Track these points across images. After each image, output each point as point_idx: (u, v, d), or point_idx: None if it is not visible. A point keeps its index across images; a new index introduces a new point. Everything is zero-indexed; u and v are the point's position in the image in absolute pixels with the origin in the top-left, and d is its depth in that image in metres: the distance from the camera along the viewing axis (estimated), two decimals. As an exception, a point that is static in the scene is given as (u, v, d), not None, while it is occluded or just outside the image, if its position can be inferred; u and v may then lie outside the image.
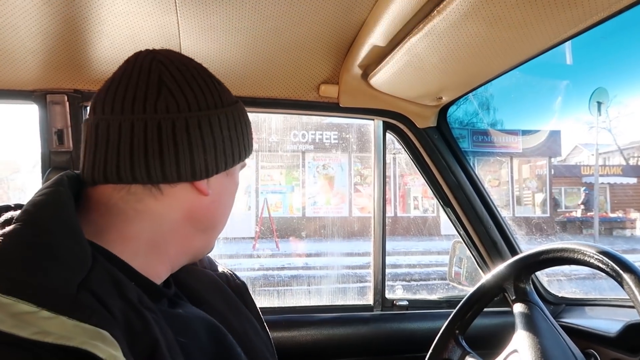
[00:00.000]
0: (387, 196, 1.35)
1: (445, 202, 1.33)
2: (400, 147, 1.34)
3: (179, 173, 0.51)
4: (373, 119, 1.30)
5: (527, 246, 0.87)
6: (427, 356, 0.91)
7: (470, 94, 1.15)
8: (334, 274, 6.95)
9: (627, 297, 0.62)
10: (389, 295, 1.34)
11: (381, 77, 1.04)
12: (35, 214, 0.44)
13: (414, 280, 6.40)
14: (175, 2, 0.80)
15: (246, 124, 0.60)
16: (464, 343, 0.88)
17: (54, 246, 0.42)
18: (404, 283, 6.21)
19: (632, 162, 18.99)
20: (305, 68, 1.08)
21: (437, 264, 7.17)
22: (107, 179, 0.51)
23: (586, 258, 0.69)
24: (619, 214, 13.80)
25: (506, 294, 0.83)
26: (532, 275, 0.84)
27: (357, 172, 11.64)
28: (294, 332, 1.20)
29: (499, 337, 0.93)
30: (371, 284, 1.34)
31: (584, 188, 14.59)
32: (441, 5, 0.72)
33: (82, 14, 0.83)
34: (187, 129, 0.51)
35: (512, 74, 0.99)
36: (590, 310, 1.23)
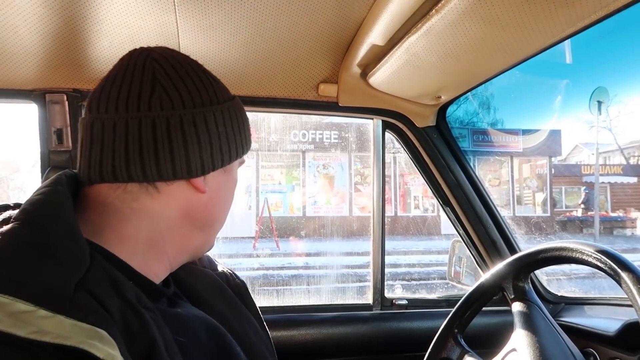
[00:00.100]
0: (387, 195, 1.35)
1: (445, 202, 1.33)
2: (400, 146, 1.34)
3: (174, 170, 0.51)
4: (372, 118, 1.30)
5: (527, 245, 0.87)
6: (426, 355, 0.91)
7: (470, 94, 1.16)
8: (334, 274, 6.95)
9: (626, 296, 0.62)
10: (388, 294, 1.33)
11: (380, 76, 1.04)
12: (33, 213, 0.44)
13: (414, 280, 6.41)
14: (174, 2, 0.80)
15: (243, 120, 0.59)
16: (463, 342, 0.88)
17: (52, 245, 0.42)
18: (404, 282, 6.21)
19: (632, 161, 19.00)
20: (304, 67, 1.08)
21: (437, 264, 7.16)
22: (103, 178, 0.51)
23: (585, 257, 0.69)
24: (619, 213, 13.79)
25: (505, 293, 0.83)
26: (532, 274, 0.84)
27: (358, 172, 11.64)
28: (293, 332, 1.20)
29: (497, 336, 0.93)
30: (370, 283, 1.34)
31: (584, 187, 14.59)
32: (439, 4, 0.72)
33: (81, 14, 0.83)
34: (182, 126, 0.51)
35: (511, 73, 0.99)
36: (590, 310, 1.23)
